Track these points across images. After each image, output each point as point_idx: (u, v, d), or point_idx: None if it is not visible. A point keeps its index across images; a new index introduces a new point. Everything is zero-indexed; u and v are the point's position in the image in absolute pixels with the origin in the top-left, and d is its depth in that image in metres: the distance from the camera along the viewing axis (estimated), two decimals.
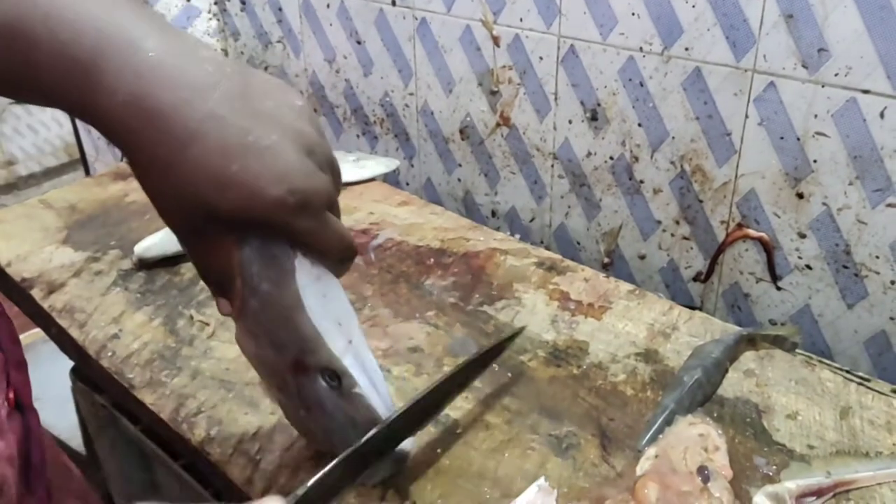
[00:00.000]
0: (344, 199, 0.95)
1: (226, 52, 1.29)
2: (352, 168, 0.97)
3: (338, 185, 0.45)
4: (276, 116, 0.41)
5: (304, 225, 0.42)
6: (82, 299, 0.76)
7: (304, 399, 0.48)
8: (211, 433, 0.60)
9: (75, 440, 1.04)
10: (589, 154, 0.89)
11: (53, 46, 0.36)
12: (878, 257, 0.71)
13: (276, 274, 0.44)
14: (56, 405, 0.88)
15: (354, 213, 0.90)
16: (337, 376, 0.46)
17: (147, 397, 0.64)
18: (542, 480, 0.53)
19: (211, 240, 0.43)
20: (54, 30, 0.36)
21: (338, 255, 0.46)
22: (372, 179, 0.98)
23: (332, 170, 0.44)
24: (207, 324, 0.72)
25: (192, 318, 0.73)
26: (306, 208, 0.41)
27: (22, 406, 0.41)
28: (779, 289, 0.79)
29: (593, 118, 0.87)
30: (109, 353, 0.69)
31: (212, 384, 0.65)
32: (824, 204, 0.72)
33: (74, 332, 0.72)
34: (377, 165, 0.99)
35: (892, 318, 0.72)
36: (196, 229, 0.42)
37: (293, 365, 0.46)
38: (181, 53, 0.39)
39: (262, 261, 0.44)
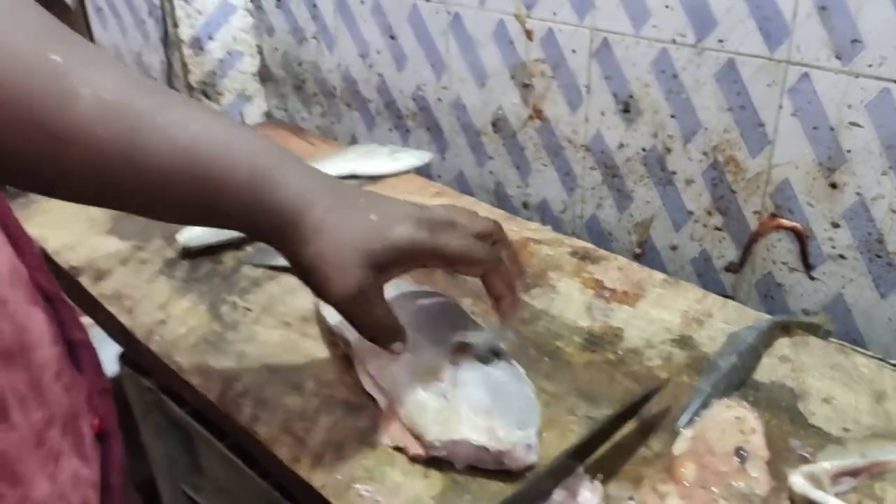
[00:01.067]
0: (378, 191, 0.97)
1: (260, 49, 1.32)
2: (386, 160, 0.98)
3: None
4: (386, 200, 0.54)
5: (443, 242, 0.52)
6: (129, 286, 0.78)
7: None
8: (257, 413, 0.62)
9: None
10: (621, 145, 0.90)
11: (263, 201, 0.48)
12: None
13: None
14: None
15: None
16: (495, 353, 0.61)
17: (194, 379, 0.66)
18: (579, 469, 0.53)
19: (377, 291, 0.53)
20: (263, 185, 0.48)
21: (486, 261, 0.55)
22: (406, 172, 1.00)
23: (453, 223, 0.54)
24: (251, 310, 0.74)
25: (235, 304, 0.75)
26: (441, 227, 0.52)
27: (106, 432, 0.43)
28: (812, 278, 0.80)
29: (626, 110, 0.88)
30: (157, 338, 0.71)
31: (257, 367, 0.67)
32: (857, 194, 0.73)
33: (123, 318, 0.74)
34: (411, 158, 1.00)
35: None
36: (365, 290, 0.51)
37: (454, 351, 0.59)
38: (340, 206, 0.50)
39: None
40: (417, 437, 0.56)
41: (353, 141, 1.22)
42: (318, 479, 0.56)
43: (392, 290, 0.70)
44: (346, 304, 0.51)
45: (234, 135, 0.47)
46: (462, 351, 0.59)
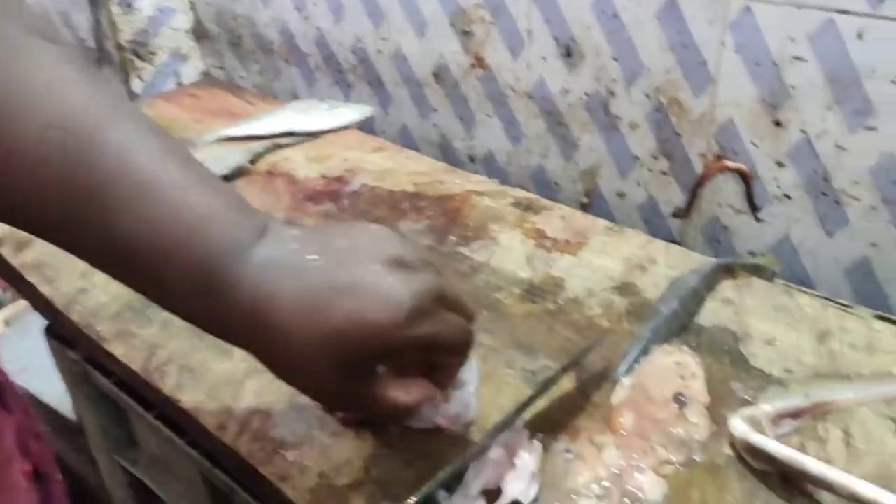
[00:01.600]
0: (317, 148, 0.94)
1: (193, 4, 1.26)
2: (324, 116, 0.94)
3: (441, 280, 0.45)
4: (354, 251, 0.43)
5: (424, 331, 0.42)
6: (51, 255, 0.74)
7: None
8: (181, 381, 0.59)
9: (65, 406, 1.04)
10: (564, 91, 0.87)
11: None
12: (857, 183, 0.70)
13: None
14: (46, 374, 0.87)
15: (328, 160, 0.89)
16: None
17: (117, 349, 0.63)
18: (517, 424, 0.51)
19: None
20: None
21: (460, 346, 0.47)
22: (346, 127, 0.96)
23: (429, 267, 0.45)
24: None
25: None
26: (419, 315, 0.42)
27: (43, 476, 0.40)
28: (758, 220, 0.78)
29: (567, 54, 0.84)
30: (79, 308, 0.67)
31: (183, 334, 0.63)
32: (802, 131, 0.71)
33: (44, 288, 0.70)
34: (351, 112, 0.96)
35: (873, 245, 0.71)
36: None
37: None
38: (277, 251, 0.42)
39: None
40: None
41: (294, 98, 1.18)
42: (244, 446, 0.53)
43: None
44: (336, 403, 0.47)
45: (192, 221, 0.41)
46: None
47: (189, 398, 0.57)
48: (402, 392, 0.45)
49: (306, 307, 0.41)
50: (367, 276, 0.42)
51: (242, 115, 1.00)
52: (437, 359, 0.47)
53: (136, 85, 1.30)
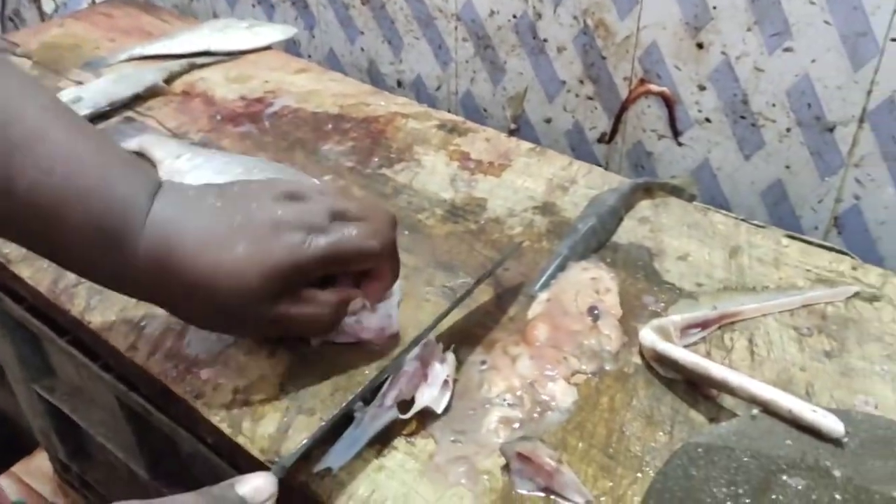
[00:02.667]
0: (237, 68, 0.90)
1: None
2: (244, 35, 0.91)
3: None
4: (245, 194, 0.46)
5: (323, 248, 0.45)
6: None
7: None
8: (91, 303, 0.57)
9: None
10: (492, 13, 0.85)
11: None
12: (774, 105, 0.71)
13: None
14: None
15: (248, 81, 0.86)
16: None
17: (24, 271, 0.61)
18: (430, 338, 0.51)
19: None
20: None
21: (367, 252, 0.48)
22: (268, 48, 0.93)
23: (322, 194, 0.48)
24: None
25: None
26: (313, 234, 0.45)
27: None
28: (680, 144, 0.79)
29: None
30: None
31: None
32: (723, 53, 0.71)
33: None
34: (272, 32, 0.93)
35: (787, 167, 0.73)
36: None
37: None
38: (183, 208, 0.45)
39: None
40: None
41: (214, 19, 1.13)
42: (156, 366, 0.52)
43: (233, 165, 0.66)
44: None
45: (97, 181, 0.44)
46: None
47: (99, 320, 0.56)
48: (328, 293, 0.47)
49: (208, 246, 0.44)
50: (260, 212, 0.45)
51: (158, 34, 0.95)
52: (354, 269, 0.49)
53: (47, 5, 1.23)
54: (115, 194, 0.44)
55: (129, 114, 0.80)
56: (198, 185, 0.48)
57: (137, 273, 0.44)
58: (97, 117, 0.78)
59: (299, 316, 0.46)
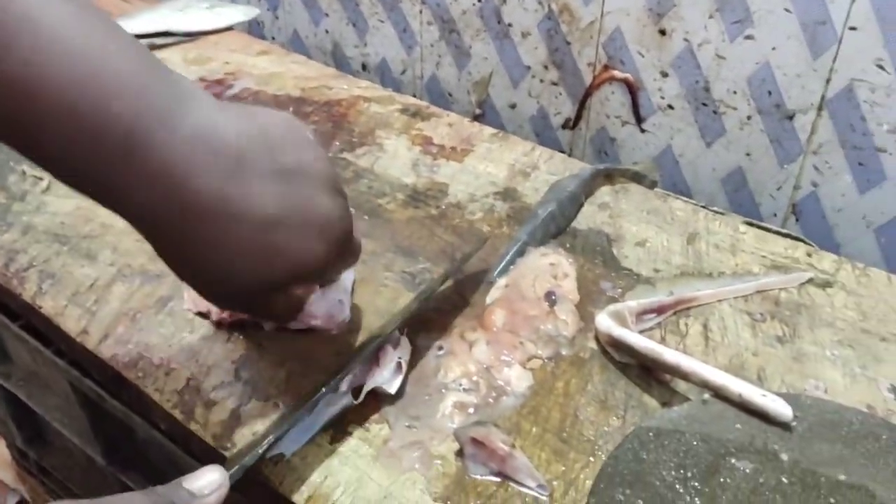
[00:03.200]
0: (197, 49, 0.89)
1: None
2: (205, 15, 0.89)
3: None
4: (302, 168, 0.39)
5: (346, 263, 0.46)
6: None
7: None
8: (43, 287, 0.56)
9: None
10: None
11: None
12: (735, 92, 0.71)
13: None
14: None
15: (208, 63, 0.84)
16: None
17: None
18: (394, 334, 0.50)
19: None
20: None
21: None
22: (230, 28, 0.91)
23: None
24: (41, 179, 0.67)
25: (24, 173, 0.67)
26: (346, 250, 0.43)
27: None
28: (643, 131, 0.79)
29: None
30: None
31: (45, 238, 0.60)
32: (685, 40, 0.72)
33: None
34: (234, 13, 0.91)
35: (747, 155, 0.73)
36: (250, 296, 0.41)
37: None
38: (207, 125, 0.36)
39: None
40: None
41: None
42: (107, 350, 0.51)
43: None
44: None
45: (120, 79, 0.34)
46: None
47: (50, 304, 0.55)
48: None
49: (227, 188, 0.36)
50: (308, 202, 0.39)
51: (116, 13, 0.93)
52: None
53: None
54: (140, 102, 0.34)
55: None
56: (222, 106, 0.38)
57: (142, 194, 0.35)
58: None
59: (287, 300, 0.44)
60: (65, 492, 0.85)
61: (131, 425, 0.57)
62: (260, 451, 0.40)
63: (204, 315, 0.53)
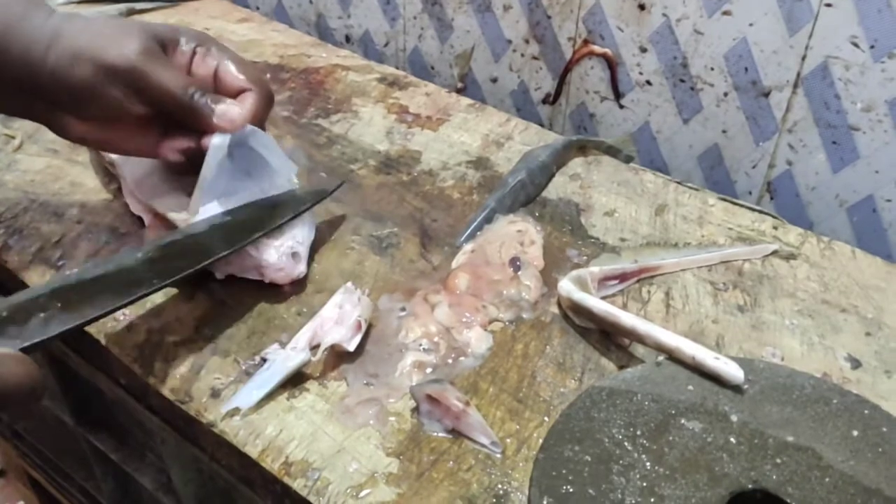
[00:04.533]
0: (178, 14, 0.88)
1: None
2: None
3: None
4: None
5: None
6: None
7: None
8: (9, 242, 0.56)
9: None
10: None
11: None
12: (712, 69, 0.71)
13: None
14: None
15: None
16: None
17: None
18: (349, 284, 0.51)
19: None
20: None
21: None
22: None
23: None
24: (13, 137, 0.66)
25: None
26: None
27: None
28: (622, 107, 0.79)
29: None
30: None
31: (13, 195, 0.60)
32: (664, 15, 0.71)
33: None
34: None
35: (724, 132, 0.73)
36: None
37: None
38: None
39: None
40: None
41: None
42: None
43: None
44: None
45: None
46: None
47: (16, 259, 0.55)
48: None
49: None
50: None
51: None
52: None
53: None
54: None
55: None
56: None
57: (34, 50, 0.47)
58: None
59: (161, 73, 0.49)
60: (37, 454, 0.85)
61: (99, 385, 0.57)
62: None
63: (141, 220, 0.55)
